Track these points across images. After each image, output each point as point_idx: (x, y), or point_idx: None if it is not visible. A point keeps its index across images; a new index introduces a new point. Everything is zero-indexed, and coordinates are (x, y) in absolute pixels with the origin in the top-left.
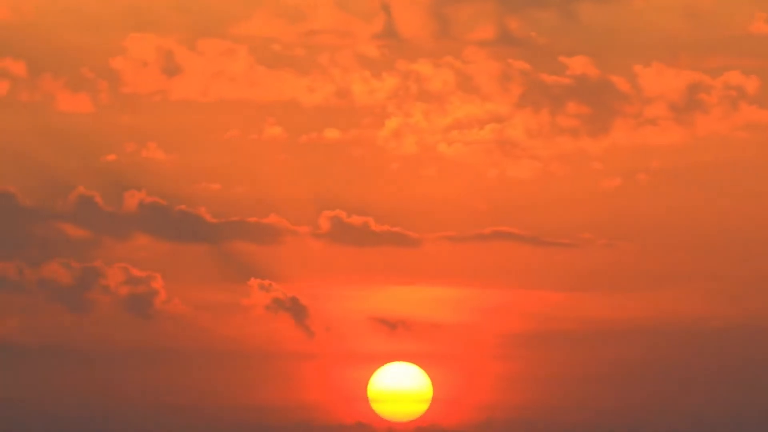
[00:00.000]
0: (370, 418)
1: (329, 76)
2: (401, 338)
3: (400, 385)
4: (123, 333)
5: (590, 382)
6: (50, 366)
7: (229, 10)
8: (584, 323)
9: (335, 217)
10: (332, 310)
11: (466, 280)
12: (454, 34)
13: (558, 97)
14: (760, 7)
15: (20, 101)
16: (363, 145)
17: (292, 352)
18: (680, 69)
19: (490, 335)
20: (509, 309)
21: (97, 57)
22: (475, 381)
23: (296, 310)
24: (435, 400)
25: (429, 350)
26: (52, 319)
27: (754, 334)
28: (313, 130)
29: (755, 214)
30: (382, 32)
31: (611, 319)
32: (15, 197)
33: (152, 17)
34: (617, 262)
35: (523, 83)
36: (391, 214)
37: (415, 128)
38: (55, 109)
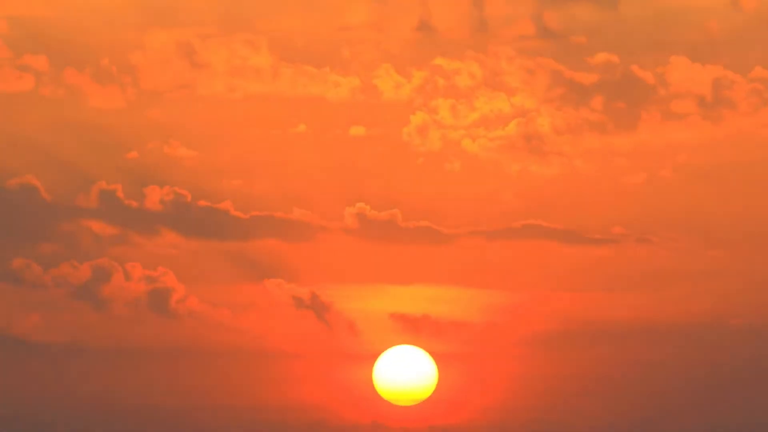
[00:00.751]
0: (384, 417)
1: (355, 71)
2: (424, 337)
3: (405, 368)
4: (145, 330)
5: (624, 383)
6: (71, 364)
7: (255, 4)
8: (619, 322)
9: (360, 212)
10: (355, 307)
11: (494, 277)
12: (482, 29)
13: (584, 93)
14: None
15: (44, 96)
16: (388, 140)
17: (311, 350)
18: (707, 64)
19: (516, 334)
20: (539, 308)
21: (120, 52)
22: (493, 381)
23: (318, 307)
24: (446, 400)
25: (450, 349)
26: (72, 316)
27: None
28: (338, 125)
29: None
30: (409, 27)
31: (643, 318)
32: (38, 191)
33: (174, 12)
34: (650, 258)
35: (550, 78)
36: (418, 210)
37: (441, 124)
38: (78, 104)
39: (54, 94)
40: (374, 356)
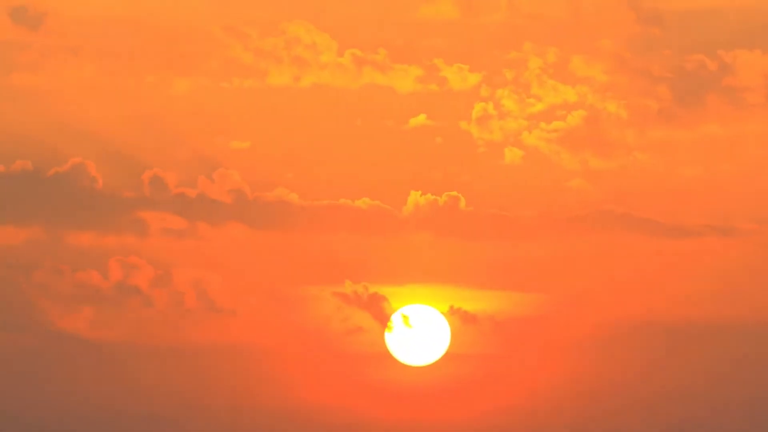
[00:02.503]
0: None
1: (419, 61)
2: (477, 336)
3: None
4: (198, 327)
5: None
6: (128, 362)
7: None
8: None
9: (423, 200)
10: (413, 302)
11: (563, 274)
12: (548, 21)
13: (649, 85)
14: None
15: (110, 87)
16: (452, 131)
17: (361, 347)
18: None
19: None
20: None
21: (186, 42)
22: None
23: (375, 303)
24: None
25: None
26: (129, 314)
27: None
28: (402, 115)
29: None
30: (476, 19)
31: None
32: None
33: (238, 2)
34: (730, 251)
35: (615, 70)
36: (481, 198)
37: (505, 114)
38: (142, 94)
39: (121, 84)
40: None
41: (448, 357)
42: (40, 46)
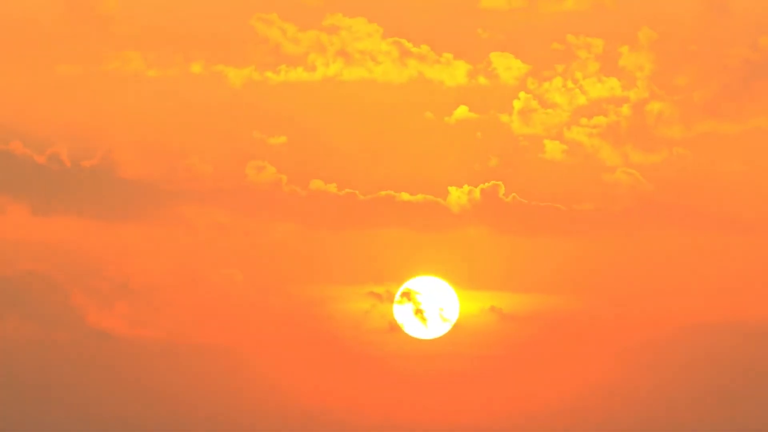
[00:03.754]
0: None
1: (465, 53)
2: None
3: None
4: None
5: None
6: (213, 363)
7: None
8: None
9: (468, 194)
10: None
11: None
12: (595, 13)
13: (695, 79)
14: None
15: (192, 78)
16: (492, 124)
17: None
18: None
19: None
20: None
21: (227, 35)
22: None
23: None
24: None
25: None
26: (164, 310)
27: None
28: (445, 108)
29: None
30: (523, 11)
31: None
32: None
33: None
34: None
35: (662, 63)
36: (523, 192)
37: (548, 107)
38: (185, 86)
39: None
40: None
41: (485, 358)
42: (84, 36)
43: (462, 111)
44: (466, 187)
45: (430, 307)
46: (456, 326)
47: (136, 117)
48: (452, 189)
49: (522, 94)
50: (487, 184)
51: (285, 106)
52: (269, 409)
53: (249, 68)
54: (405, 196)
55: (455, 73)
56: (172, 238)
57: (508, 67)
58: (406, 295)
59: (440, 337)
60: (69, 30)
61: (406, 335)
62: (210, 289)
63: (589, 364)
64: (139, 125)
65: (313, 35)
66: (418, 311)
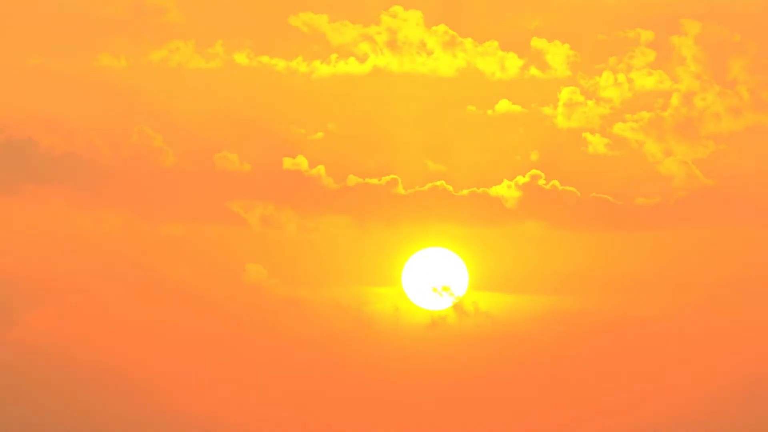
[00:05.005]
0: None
1: (511, 46)
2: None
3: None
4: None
5: None
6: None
7: None
8: None
9: (513, 188)
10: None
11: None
12: (642, 5)
13: (745, 71)
14: None
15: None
16: (535, 117)
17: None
18: None
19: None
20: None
21: (267, 28)
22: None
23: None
24: None
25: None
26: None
27: None
28: (489, 102)
29: None
30: (574, 3)
31: None
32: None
33: None
34: None
35: (711, 55)
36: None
37: (596, 99)
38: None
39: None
40: None
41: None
42: (127, 27)
43: (504, 104)
44: (512, 180)
45: (474, 305)
46: (508, 326)
47: (174, 108)
48: (503, 182)
49: (568, 88)
50: (548, 183)
51: (326, 99)
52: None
53: (296, 60)
54: (450, 189)
55: (505, 65)
56: (216, 233)
57: (554, 59)
58: (448, 290)
59: (486, 338)
60: (113, 21)
61: (448, 333)
62: (246, 283)
63: (669, 372)
64: (179, 118)
65: (354, 28)
66: (457, 306)
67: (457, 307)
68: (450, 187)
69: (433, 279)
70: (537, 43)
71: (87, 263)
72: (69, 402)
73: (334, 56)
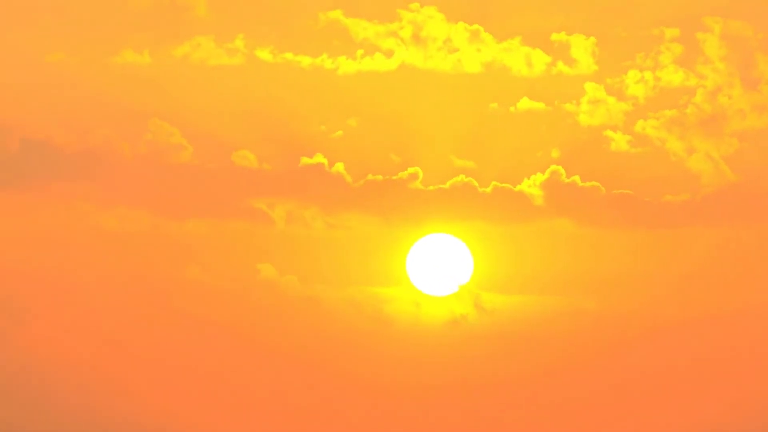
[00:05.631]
0: None
1: (537, 42)
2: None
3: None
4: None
5: None
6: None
7: None
8: None
9: (530, 184)
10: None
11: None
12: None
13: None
14: None
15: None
16: (558, 114)
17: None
18: None
19: None
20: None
21: (292, 24)
22: None
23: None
24: None
25: None
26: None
27: None
28: (511, 97)
29: None
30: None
31: None
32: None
33: None
34: None
35: (737, 51)
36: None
37: (620, 96)
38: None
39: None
40: None
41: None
42: (151, 22)
43: (526, 101)
44: (535, 177)
45: (495, 305)
46: (532, 327)
47: (196, 106)
48: (524, 180)
49: (592, 84)
50: (569, 177)
51: (349, 97)
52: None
53: (322, 56)
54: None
55: (531, 61)
56: (238, 231)
57: (579, 56)
58: (467, 288)
59: (509, 339)
60: (136, 15)
61: (467, 333)
62: (263, 283)
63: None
64: (199, 115)
65: (376, 26)
66: (478, 305)
67: (478, 306)
68: (475, 183)
69: (452, 276)
70: (562, 39)
71: (111, 260)
72: (87, 393)
73: (360, 52)
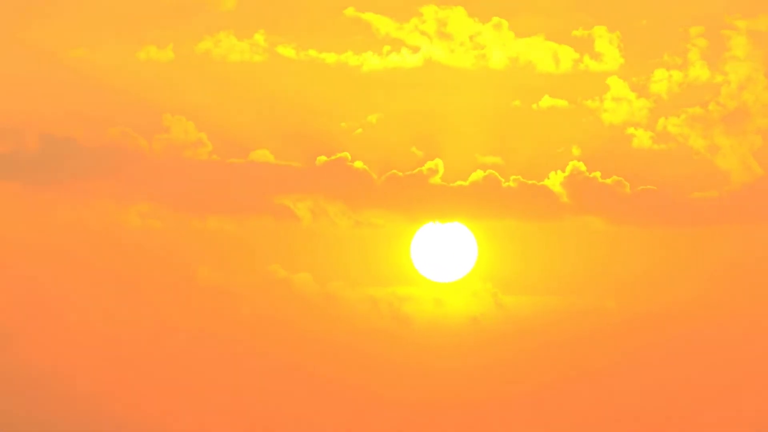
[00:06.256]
0: None
1: (561, 38)
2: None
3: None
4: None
5: None
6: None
7: None
8: None
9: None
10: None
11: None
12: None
13: None
14: None
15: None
16: (581, 111)
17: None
18: None
19: None
20: None
21: (316, 20)
22: None
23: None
24: None
25: None
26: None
27: None
28: (534, 94)
29: None
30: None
31: None
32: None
33: None
34: None
35: (758, 52)
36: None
37: (643, 93)
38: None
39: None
40: None
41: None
42: (173, 17)
43: (548, 99)
44: (556, 174)
45: (519, 305)
46: (555, 325)
47: (214, 102)
48: (550, 174)
49: (615, 80)
50: (591, 173)
51: (373, 93)
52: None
53: (347, 53)
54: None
55: (558, 57)
56: (274, 228)
57: (604, 52)
58: (490, 287)
59: (534, 339)
60: (159, 10)
61: (488, 333)
62: (290, 283)
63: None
64: (222, 112)
65: (397, 23)
66: (499, 304)
67: (499, 305)
68: (501, 178)
69: (475, 275)
70: (586, 35)
71: (131, 257)
72: (103, 391)
73: (386, 48)
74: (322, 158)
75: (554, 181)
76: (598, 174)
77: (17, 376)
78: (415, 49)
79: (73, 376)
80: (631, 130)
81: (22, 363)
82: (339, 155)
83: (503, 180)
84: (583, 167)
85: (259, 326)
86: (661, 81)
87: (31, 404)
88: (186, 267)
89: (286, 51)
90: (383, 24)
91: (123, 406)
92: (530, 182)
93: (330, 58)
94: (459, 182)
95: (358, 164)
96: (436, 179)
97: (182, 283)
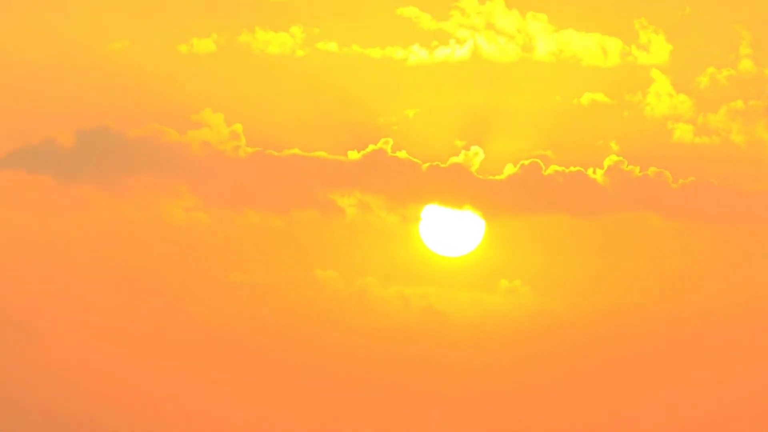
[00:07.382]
0: None
1: (611, 30)
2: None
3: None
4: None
5: None
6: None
7: None
8: None
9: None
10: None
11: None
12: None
13: None
14: None
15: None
16: (623, 106)
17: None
18: None
19: None
20: None
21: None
22: None
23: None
24: None
25: None
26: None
27: None
28: (575, 89)
29: None
30: None
31: None
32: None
33: None
34: None
35: None
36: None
37: (685, 90)
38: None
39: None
40: None
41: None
42: (209, 15)
43: (589, 94)
44: (599, 166)
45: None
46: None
47: (262, 95)
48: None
49: (658, 73)
50: (652, 169)
51: (413, 85)
52: None
53: (393, 47)
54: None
55: (606, 51)
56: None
57: (651, 48)
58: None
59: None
60: (199, 4)
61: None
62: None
63: None
64: (264, 105)
65: (436, 17)
66: (540, 301)
67: (536, 300)
68: (544, 168)
69: (509, 272)
70: (632, 32)
71: (176, 250)
72: (143, 380)
73: (434, 42)
74: (371, 147)
75: (595, 173)
76: (635, 168)
77: (51, 370)
78: (461, 43)
79: (110, 372)
80: (672, 125)
81: (55, 358)
82: (376, 146)
83: (546, 170)
84: (623, 161)
85: (306, 321)
86: (706, 77)
87: (61, 400)
88: (231, 261)
89: (329, 46)
90: (427, 19)
91: (154, 401)
92: (570, 170)
93: (375, 52)
94: (495, 176)
95: (401, 154)
96: (473, 168)
97: (228, 277)
